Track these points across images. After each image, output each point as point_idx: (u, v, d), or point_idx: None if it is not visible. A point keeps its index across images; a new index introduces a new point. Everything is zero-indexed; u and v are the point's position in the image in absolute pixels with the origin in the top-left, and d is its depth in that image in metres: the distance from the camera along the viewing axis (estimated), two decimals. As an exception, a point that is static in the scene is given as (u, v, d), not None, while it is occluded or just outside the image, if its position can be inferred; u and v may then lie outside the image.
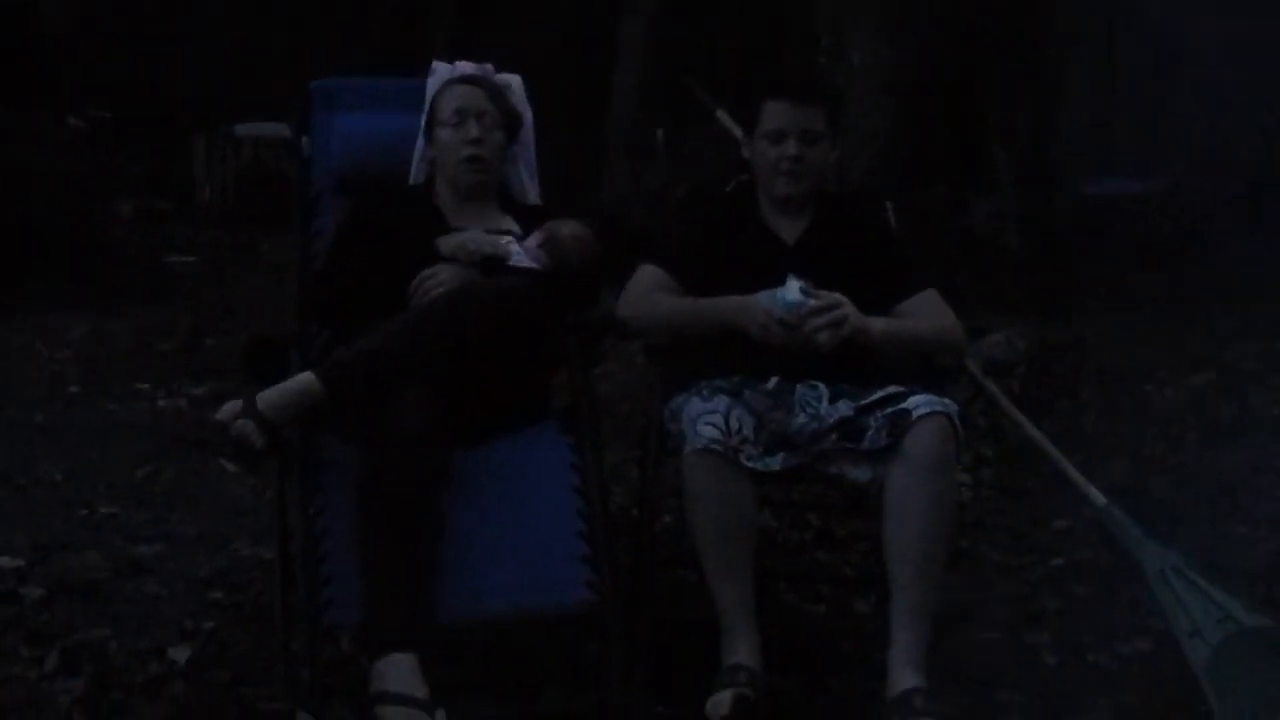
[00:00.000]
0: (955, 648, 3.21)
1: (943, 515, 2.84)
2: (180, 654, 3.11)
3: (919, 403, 2.86)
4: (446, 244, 3.08)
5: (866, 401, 2.94)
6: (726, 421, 2.85)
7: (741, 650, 2.79)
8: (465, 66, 3.47)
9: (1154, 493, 4.56)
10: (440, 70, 3.48)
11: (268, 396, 2.76)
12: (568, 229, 3.20)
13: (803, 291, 2.93)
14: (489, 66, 3.50)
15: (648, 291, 3.15)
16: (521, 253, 3.16)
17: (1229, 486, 4.57)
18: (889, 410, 2.89)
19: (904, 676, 2.73)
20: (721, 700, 2.70)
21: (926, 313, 3.14)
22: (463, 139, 3.24)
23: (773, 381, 3.00)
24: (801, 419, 2.98)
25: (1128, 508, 3.18)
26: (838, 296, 2.95)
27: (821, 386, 3.02)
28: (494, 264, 3.07)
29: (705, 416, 2.86)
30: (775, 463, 2.91)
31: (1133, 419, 5.52)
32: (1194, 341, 6.91)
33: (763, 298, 2.97)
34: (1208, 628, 2.84)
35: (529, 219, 3.31)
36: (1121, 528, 3.10)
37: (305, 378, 2.80)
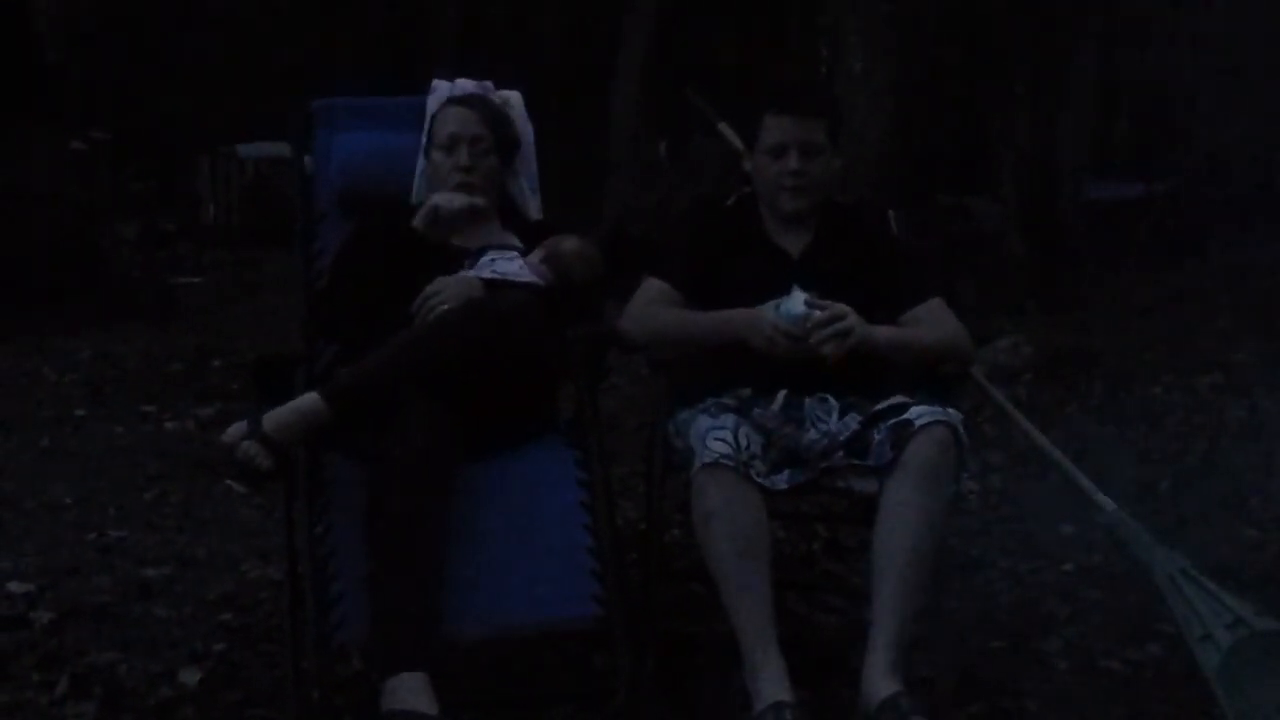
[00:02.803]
0: (965, 656, 3.20)
1: (934, 525, 2.83)
2: (191, 676, 3.12)
3: (921, 413, 2.86)
4: (421, 221, 3.11)
5: (872, 413, 2.94)
6: (735, 437, 2.84)
7: (773, 683, 2.71)
8: (465, 84, 3.48)
9: (1162, 496, 4.56)
10: (441, 88, 3.48)
11: (273, 417, 2.77)
12: (569, 244, 3.21)
13: (807, 303, 2.93)
14: (489, 84, 3.50)
15: (651, 305, 3.15)
16: (525, 265, 3.16)
17: (1238, 489, 4.57)
18: (892, 421, 2.89)
19: (884, 684, 2.70)
20: None
21: (932, 321, 3.14)
22: (453, 165, 3.24)
23: (780, 397, 2.99)
24: (813, 434, 2.97)
25: (1136, 512, 3.17)
26: (842, 307, 2.95)
27: (831, 399, 3.01)
28: (494, 282, 3.08)
29: (714, 432, 2.85)
30: (781, 481, 2.90)
31: (1140, 423, 5.52)
32: (1200, 344, 6.91)
33: (767, 309, 2.96)
34: (1219, 632, 2.83)
35: (532, 234, 3.31)
36: (1130, 532, 3.09)
37: (310, 397, 2.81)
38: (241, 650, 3.29)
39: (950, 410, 2.89)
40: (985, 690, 3.04)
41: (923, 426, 2.83)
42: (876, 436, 2.90)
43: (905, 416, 2.87)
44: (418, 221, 3.11)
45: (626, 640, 2.79)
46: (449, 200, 3.11)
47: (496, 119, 3.34)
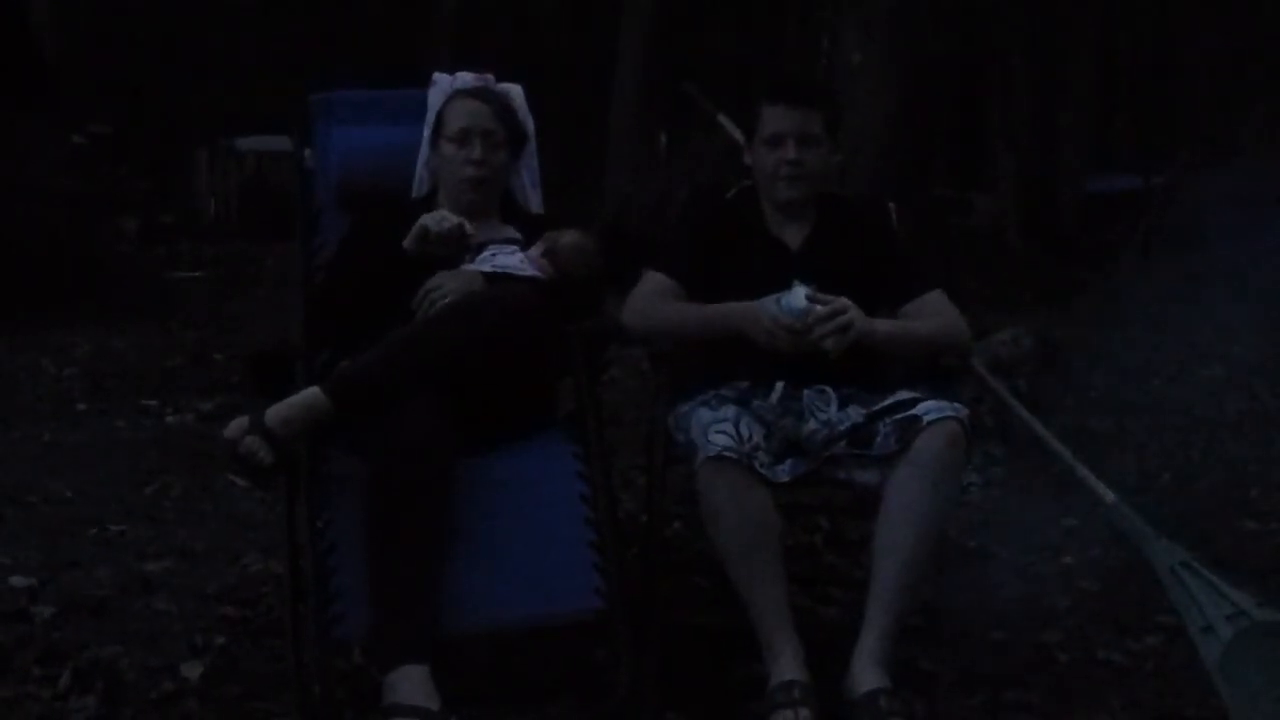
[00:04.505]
0: (966, 647, 3.21)
1: (939, 521, 2.84)
2: (192, 670, 3.11)
3: (929, 408, 2.86)
4: (411, 243, 3.08)
5: (877, 408, 2.94)
6: (737, 429, 2.84)
7: (787, 663, 2.75)
8: (466, 77, 3.47)
9: (1163, 489, 4.56)
10: (441, 81, 3.47)
11: (274, 412, 2.77)
12: (568, 238, 3.20)
13: (808, 298, 2.92)
14: (489, 76, 3.49)
15: (652, 298, 3.14)
16: (525, 259, 3.16)
17: (1238, 481, 4.57)
18: (899, 416, 2.88)
19: (870, 676, 2.72)
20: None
21: (932, 313, 3.14)
22: (466, 158, 3.23)
23: (778, 389, 2.99)
24: (812, 424, 2.97)
25: (1137, 504, 3.17)
26: (843, 301, 2.95)
27: (830, 391, 3.01)
28: (494, 276, 3.08)
29: (716, 425, 2.85)
30: (784, 472, 2.90)
31: (1140, 415, 5.52)
32: (1200, 336, 6.91)
33: (768, 304, 2.96)
34: (1220, 623, 2.83)
35: (531, 227, 3.31)
36: (1131, 524, 3.09)
37: (311, 392, 2.81)
38: (242, 644, 3.29)
39: (957, 405, 2.89)
40: (986, 682, 3.04)
41: (932, 422, 2.83)
42: (882, 429, 2.90)
43: (913, 412, 2.87)
44: (408, 243, 3.09)
45: (628, 633, 2.79)
46: (439, 222, 3.07)
47: (507, 113, 3.33)
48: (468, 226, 3.09)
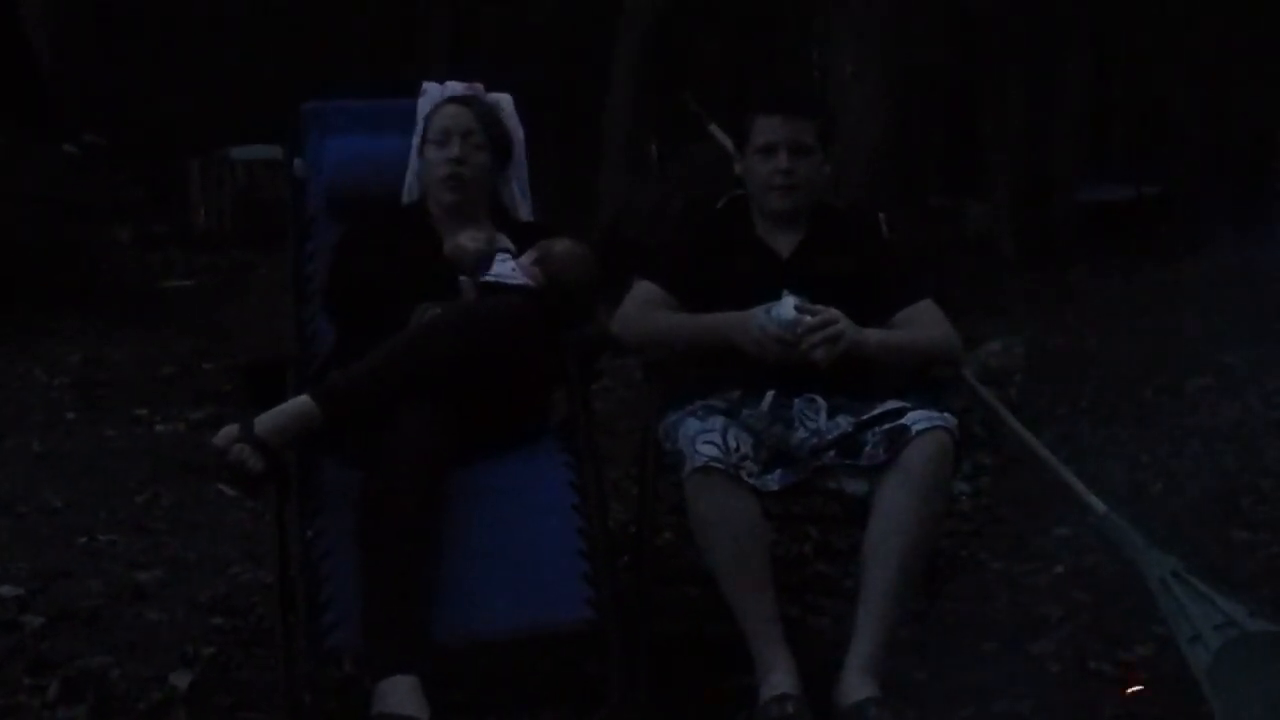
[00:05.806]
0: (957, 658, 3.20)
1: (928, 531, 2.84)
2: (182, 680, 3.11)
3: (918, 418, 2.86)
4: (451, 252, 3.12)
5: (866, 417, 2.94)
6: (724, 439, 2.84)
7: (779, 676, 2.75)
8: (456, 86, 3.48)
9: (1154, 498, 4.56)
10: (431, 90, 3.48)
11: (265, 420, 2.76)
12: (561, 246, 3.20)
13: (797, 308, 2.92)
14: (479, 86, 3.50)
15: (643, 308, 3.15)
16: (517, 267, 3.16)
17: (1229, 491, 4.57)
18: (887, 426, 2.89)
19: (860, 686, 2.73)
20: None
21: (923, 323, 3.14)
22: (444, 157, 3.24)
23: (768, 398, 2.99)
24: (801, 433, 2.97)
25: (1128, 514, 3.17)
26: (833, 312, 2.95)
27: (820, 400, 3.01)
28: (486, 285, 3.08)
29: (703, 435, 2.85)
30: (773, 482, 2.90)
31: (1131, 424, 5.52)
32: (1192, 345, 6.91)
33: (758, 314, 2.96)
34: (1209, 633, 2.83)
35: (523, 236, 3.31)
36: (1122, 534, 3.09)
37: (302, 400, 2.80)
38: (233, 653, 3.29)
39: (946, 415, 2.89)
40: (976, 692, 3.04)
41: (920, 432, 2.83)
42: (870, 439, 2.90)
43: (901, 422, 2.87)
44: (447, 250, 3.13)
45: (619, 643, 2.79)
46: (472, 237, 3.10)
47: (489, 117, 3.34)
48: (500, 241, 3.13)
